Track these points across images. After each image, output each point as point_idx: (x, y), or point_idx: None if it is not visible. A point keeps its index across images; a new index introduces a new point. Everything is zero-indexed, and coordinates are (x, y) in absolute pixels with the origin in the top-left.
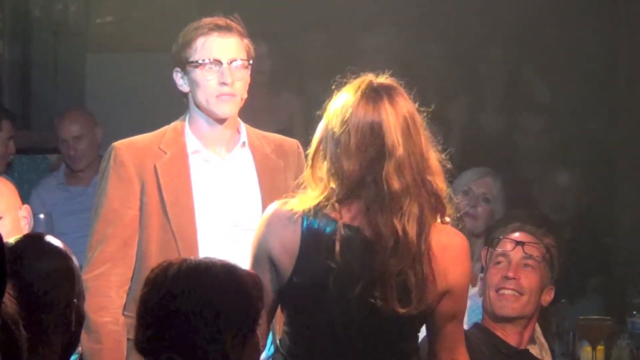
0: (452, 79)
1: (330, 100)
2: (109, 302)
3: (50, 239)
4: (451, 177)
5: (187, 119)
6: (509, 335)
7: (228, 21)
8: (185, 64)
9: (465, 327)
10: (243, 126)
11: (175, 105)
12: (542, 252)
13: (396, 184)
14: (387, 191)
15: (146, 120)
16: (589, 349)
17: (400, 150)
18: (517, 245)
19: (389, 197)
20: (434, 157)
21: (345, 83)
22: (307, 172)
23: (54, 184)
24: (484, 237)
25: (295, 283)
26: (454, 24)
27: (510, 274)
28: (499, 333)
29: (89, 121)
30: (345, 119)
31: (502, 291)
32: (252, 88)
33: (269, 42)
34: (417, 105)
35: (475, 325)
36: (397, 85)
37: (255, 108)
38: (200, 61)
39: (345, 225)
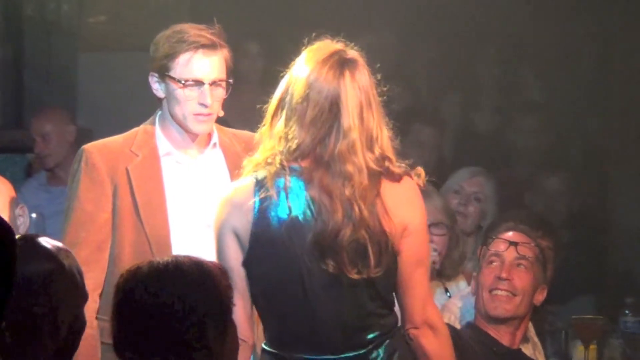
0: (446, 77)
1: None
2: None
3: (43, 240)
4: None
5: (157, 121)
6: (502, 335)
7: (213, 38)
8: (164, 75)
9: (458, 326)
10: (214, 127)
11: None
12: (535, 253)
13: (349, 165)
14: (339, 170)
15: (139, 119)
16: (581, 348)
17: (355, 132)
18: (510, 246)
19: (342, 175)
20: (385, 135)
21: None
22: (264, 128)
23: (35, 185)
24: (475, 235)
25: (256, 243)
26: (447, 22)
27: (504, 275)
28: (491, 333)
29: (60, 119)
30: (306, 89)
31: (495, 292)
32: (244, 86)
33: (260, 41)
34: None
35: (468, 325)
36: (361, 60)
37: (247, 106)
38: (182, 81)
39: (295, 178)
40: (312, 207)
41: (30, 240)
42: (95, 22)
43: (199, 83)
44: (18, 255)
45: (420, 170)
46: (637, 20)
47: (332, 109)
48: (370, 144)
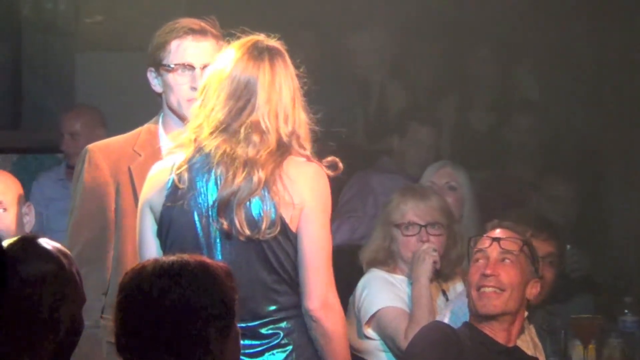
0: (442, 77)
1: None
2: (87, 306)
3: (43, 241)
4: None
5: (160, 120)
6: (497, 333)
7: (203, 24)
8: (158, 66)
9: (455, 326)
10: None
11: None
12: (519, 246)
13: (257, 133)
14: (248, 137)
15: (136, 119)
16: (580, 347)
17: (270, 106)
18: (493, 242)
19: (249, 141)
20: (302, 118)
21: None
22: (192, 108)
23: (53, 178)
24: (461, 223)
25: (165, 217)
26: (444, 23)
27: (489, 271)
28: (486, 331)
29: (93, 120)
30: (227, 71)
31: (482, 289)
32: None
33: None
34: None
35: (464, 324)
36: (282, 50)
37: None
38: (172, 65)
39: (207, 157)
40: (218, 180)
41: (30, 241)
42: (92, 22)
43: (189, 67)
44: (16, 258)
45: (334, 159)
46: (633, 19)
47: (249, 86)
48: (284, 119)
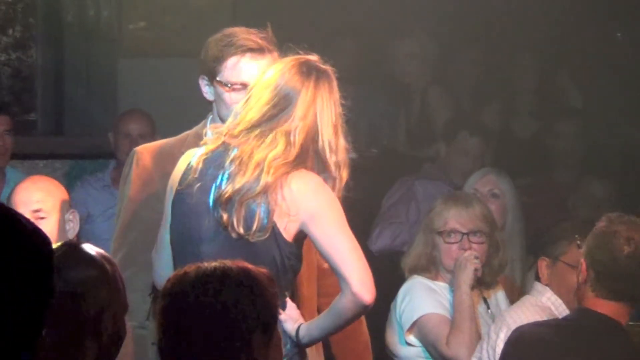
0: (485, 84)
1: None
2: (134, 307)
3: (87, 247)
4: None
5: (208, 125)
6: None
7: (261, 42)
8: (213, 78)
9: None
10: None
11: (208, 110)
12: None
13: (285, 139)
14: (274, 140)
15: (179, 125)
16: None
17: (304, 121)
18: None
19: (273, 145)
20: (339, 143)
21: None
22: (237, 106)
23: (97, 185)
24: (503, 231)
25: (175, 200)
26: (487, 29)
27: None
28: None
29: (153, 124)
30: (273, 79)
31: None
32: None
33: (300, 48)
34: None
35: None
36: (331, 75)
37: None
38: (229, 84)
39: (226, 151)
40: (227, 175)
41: (74, 247)
42: (134, 28)
43: (246, 86)
44: (59, 263)
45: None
46: None
47: (289, 98)
48: (314, 138)
